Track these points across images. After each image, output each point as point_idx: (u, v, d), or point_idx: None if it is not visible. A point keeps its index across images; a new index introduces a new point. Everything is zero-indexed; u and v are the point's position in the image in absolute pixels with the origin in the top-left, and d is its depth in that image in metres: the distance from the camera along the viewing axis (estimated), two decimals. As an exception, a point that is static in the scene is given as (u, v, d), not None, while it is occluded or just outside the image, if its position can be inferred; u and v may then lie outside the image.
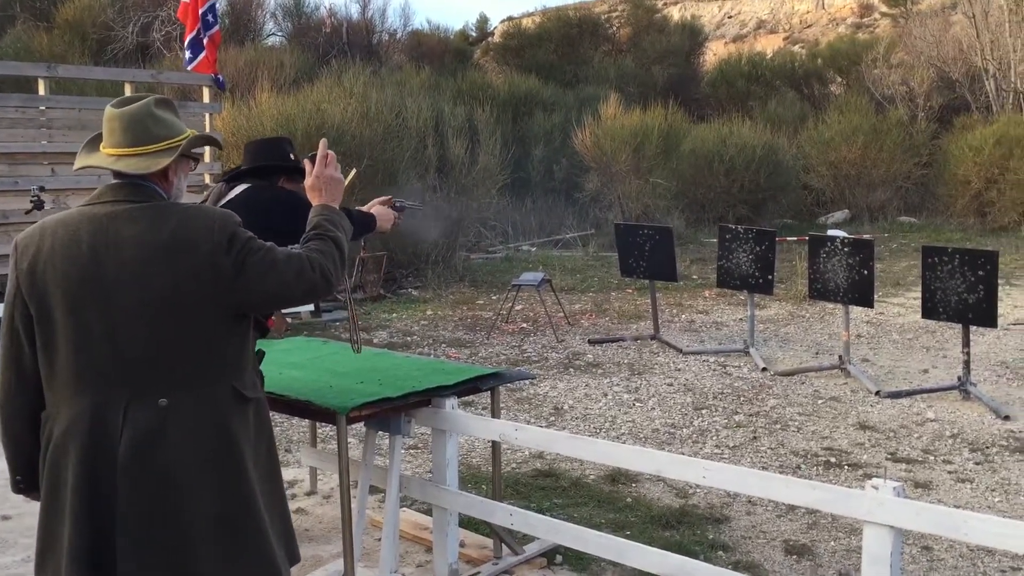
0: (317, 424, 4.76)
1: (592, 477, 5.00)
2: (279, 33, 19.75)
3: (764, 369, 7.16)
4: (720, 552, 4.10)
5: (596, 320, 9.12)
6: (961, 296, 6.28)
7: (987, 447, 5.46)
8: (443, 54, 20.49)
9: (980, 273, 6.21)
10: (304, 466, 4.88)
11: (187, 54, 9.31)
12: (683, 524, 4.40)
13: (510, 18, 35.80)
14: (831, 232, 8.51)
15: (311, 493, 4.73)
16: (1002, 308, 9.67)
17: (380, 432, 3.73)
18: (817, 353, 7.75)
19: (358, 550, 3.56)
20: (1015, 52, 18.04)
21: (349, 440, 3.54)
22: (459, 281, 10.92)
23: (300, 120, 10.20)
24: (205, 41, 8.77)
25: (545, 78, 19.16)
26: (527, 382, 6.87)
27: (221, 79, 9.26)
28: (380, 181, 10.10)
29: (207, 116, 9.05)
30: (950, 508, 3.88)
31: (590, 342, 8.08)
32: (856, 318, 9.08)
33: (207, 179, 8.87)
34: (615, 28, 21.73)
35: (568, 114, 16.08)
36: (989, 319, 6.28)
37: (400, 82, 15.19)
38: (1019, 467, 5.13)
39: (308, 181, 2.50)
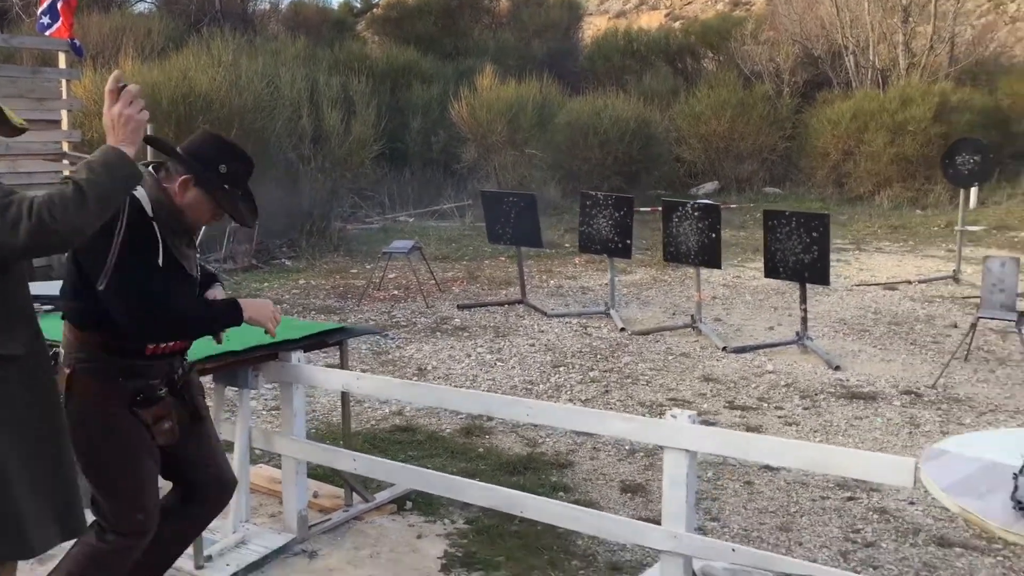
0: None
1: (448, 431, 5.21)
2: (149, 0, 19.16)
3: (622, 329, 7.51)
4: (561, 493, 4.36)
5: (467, 287, 9.33)
6: (798, 256, 6.73)
7: (816, 394, 5.91)
8: (321, 25, 20.24)
9: (814, 235, 6.67)
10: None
11: (44, 20, 9.02)
12: (529, 470, 4.65)
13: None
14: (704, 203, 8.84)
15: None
16: (849, 271, 10.37)
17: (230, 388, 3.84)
18: (674, 314, 8.15)
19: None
20: (873, 31, 18.99)
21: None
22: (334, 251, 10.96)
23: (166, 89, 10.02)
24: (60, 6, 8.51)
25: (425, 50, 19.16)
26: (395, 346, 7.04)
27: (78, 44, 9.01)
28: (252, 151, 10.00)
29: (64, 82, 8.81)
30: (736, 431, 4.24)
31: (459, 307, 8.29)
32: (715, 281, 9.57)
33: (65, 146, 8.65)
34: (495, 1, 21.87)
35: (446, 86, 16.17)
36: (822, 278, 6.77)
37: (275, 51, 14.99)
38: (842, 411, 5.59)
39: (104, 119, 2.25)
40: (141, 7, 18.60)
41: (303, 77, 12.72)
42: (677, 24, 32.55)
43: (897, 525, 4.02)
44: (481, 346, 7.05)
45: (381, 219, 13.31)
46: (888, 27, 18.68)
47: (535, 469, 4.66)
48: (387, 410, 5.51)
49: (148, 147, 2.74)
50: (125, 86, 2.25)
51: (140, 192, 2.60)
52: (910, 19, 18.48)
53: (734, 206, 15.23)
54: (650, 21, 35.70)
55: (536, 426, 5.22)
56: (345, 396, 4.11)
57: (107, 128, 2.21)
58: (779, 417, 5.49)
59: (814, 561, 3.57)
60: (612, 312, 7.91)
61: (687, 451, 2.85)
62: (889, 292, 9.12)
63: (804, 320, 6.94)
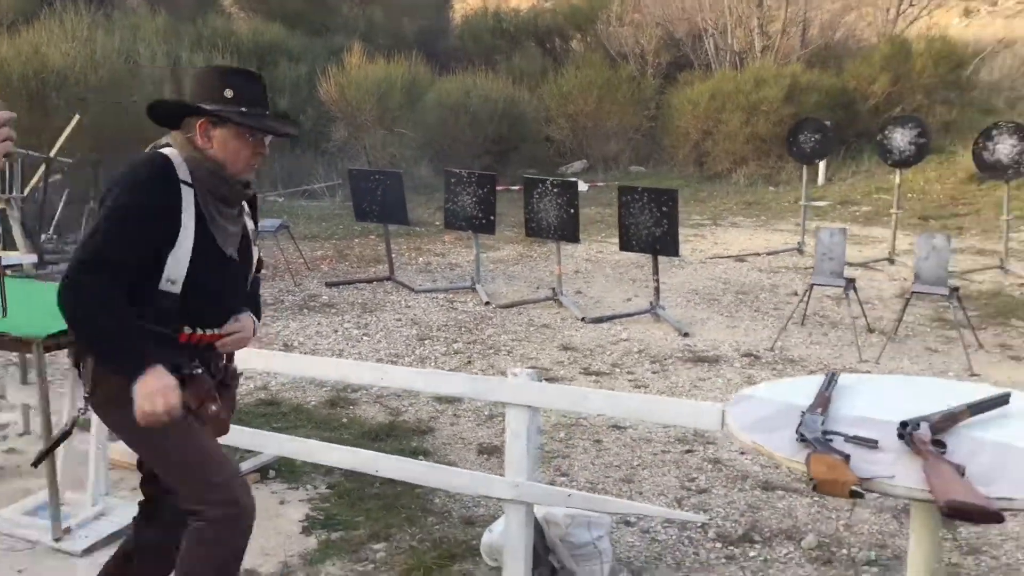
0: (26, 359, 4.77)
1: (312, 403, 5.33)
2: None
3: (487, 303, 7.75)
4: (420, 456, 4.56)
5: (336, 265, 9.40)
6: (650, 230, 7.10)
7: (665, 359, 6.29)
8: (183, -1, 19.64)
9: (664, 209, 7.05)
10: (16, 406, 4.87)
11: None
12: (391, 437, 4.84)
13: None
14: (580, 185, 9.06)
15: (25, 433, 4.76)
16: (705, 245, 10.91)
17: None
18: (538, 288, 8.44)
19: (66, 477, 3.71)
20: (731, 15, 19.77)
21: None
22: (199, 231, 10.80)
23: (16, 64, 9.66)
24: None
25: (292, 27, 18.87)
26: (260, 324, 7.05)
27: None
28: (110, 132, 9.79)
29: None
30: (572, 387, 4.53)
31: (327, 285, 8.36)
32: (579, 256, 9.93)
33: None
34: (364, -22, 21.67)
35: (315, 64, 16.02)
36: (673, 249, 7.16)
37: (134, 26, 14.54)
38: (687, 373, 5.98)
39: None
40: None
41: (164, 54, 12.40)
42: (549, 4, 33.02)
43: (728, 473, 4.40)
44: (348, 322, 7.16)
45: (249, 198, 13.14)
46: (744, 11, 19.48)
47: (396, 436, 4.85)
48: (252, 385, 5.58)
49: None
50: None
51: (172, 153, 2.45)
52: (764, 3, 19.31)
53: (601, 184, 15.69)
54: (520, 1, 36.05)
55: (399, 396, 5.41)
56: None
57: None
58: (630, 381, 5.84)
59: (651, 507, 3.88)
60: (478, 287, 8.13)
61: (528, 407, 3.09)
62: (739, 264, 9.66)
63: (657, 290, 7.34)
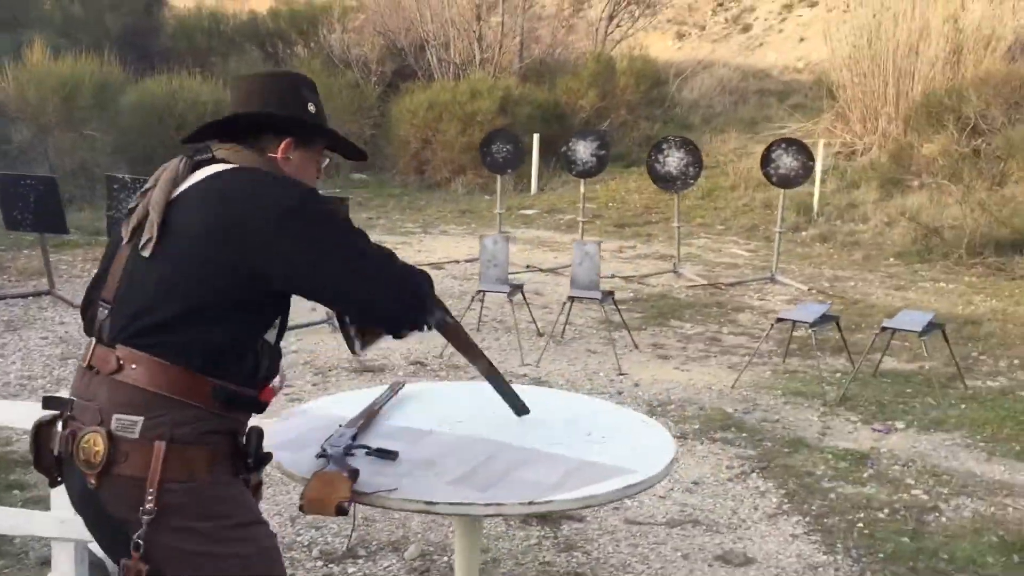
0: None
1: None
2: None
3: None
4: (16, 491, 4.12)
5: (-9, 279, 8.50)
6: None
7: (329, 371, 6.14)
8: None
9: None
10: None
11: None
12: (-10, 471, 4.34)
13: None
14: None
15: None
16: (408, 252, 10.90)
17: None
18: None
19: None
20: (453, 26, 20.08)
21: None
22: None
23: None
24: None
25: (-24, 18, 17.11)
26: None
27: None
28: None
29: None
30: None
31: (-29, 302, 7.52)
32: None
33: None
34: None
35: (2, 62, 14.56)
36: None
37: None
38: (348, 383, 5.85)
39: None
40: None
41: None
42: (285, 8, 32.20)
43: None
44: (-19, 342, 6.45)
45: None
46: (463, 24, 19.86)
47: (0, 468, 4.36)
48: None
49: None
50: None
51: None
52: (482, 18, 19.78)
53: (335, 191, 15.37)
54: (260, 5, 34.92)
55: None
56: None
57: None
58: (285, 395, 5.62)
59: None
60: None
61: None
62: (435, 271, 9.71)
63: (333, 300, 7.16)
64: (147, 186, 2.02)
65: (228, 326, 1.90)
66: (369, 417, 2.65)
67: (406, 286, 2.06)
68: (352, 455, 2.37)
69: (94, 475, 1.82)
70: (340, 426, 2.51)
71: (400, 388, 2.95)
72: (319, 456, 2.34)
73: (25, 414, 2.90)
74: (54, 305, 7.58)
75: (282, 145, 2.10)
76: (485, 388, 2.65)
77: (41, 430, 1.95)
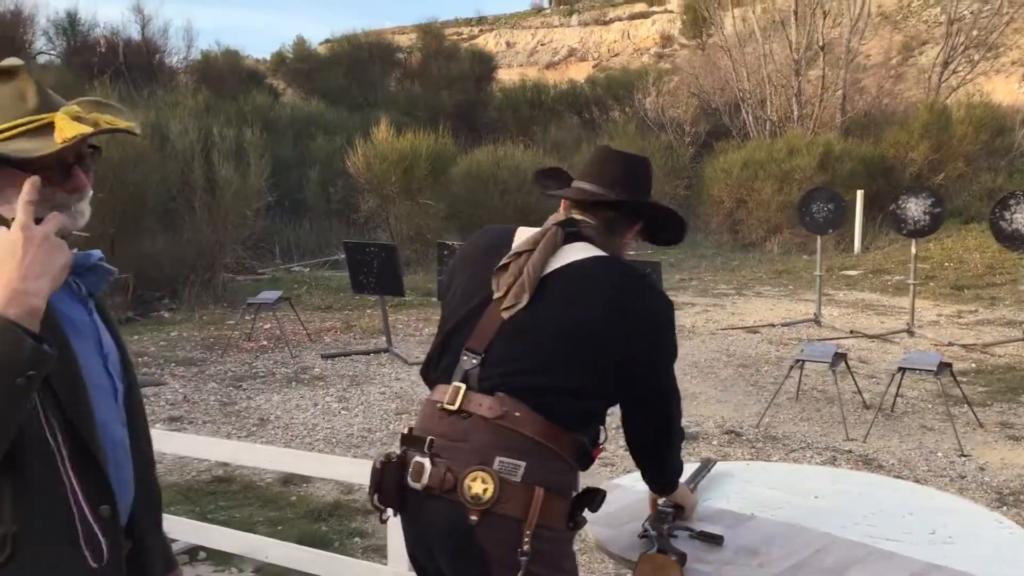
0: None
1: (266, 480, 5.27)
2: (52, 52, 19.11)
3: (478, 376, 7.64)
4: (356, 538, 4.46)
5: (339, 336, 9.41)
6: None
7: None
8: (229, 76, 20.37)
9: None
10: None
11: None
12: (334, 517, 4.74)
13: (328, 41, 35.89)
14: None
15: None
16: (722, 315, 10.68)
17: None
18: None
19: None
20: (769, 83, 19.72)
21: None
22: (216, 302, 10.96)
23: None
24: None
25: (335, 101, 19.40)
26: (245, 396, 7.08)
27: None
28: (127, 203, 10.08)
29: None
30: None
31: (323, 357, 8.36)
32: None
33: None
34: (406, 54, 22.26)
35: (350, 137, 16.38)
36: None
37: (173, 103, 15.05)
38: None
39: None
40: (43, 58, 18.52)
41: (195, 128, 12.77)
42: (604, 75, 33.48)
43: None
44: (331, 395, 7.12)
45: (273, 269, 13.35)
46: (780, 80, 19.41)
47: (340, 516, 4.75)
48: (212, 461, 5.54)
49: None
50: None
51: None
52: (800, 73, 19.22)
53: (648, 253, 15.57)
54: (579, 72, 36.63)
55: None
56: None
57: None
58: (601, 458, 5.64)
59: None
60: (472, 359, 8.03)
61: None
62: (750, 335, 9.41)
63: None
64: (522, 247, 2.06)
65: (599, 402, 2.06)
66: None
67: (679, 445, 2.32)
68: (675, 536, 2.31)
69: (478, 511, 1.88)
70: (660, 503, 2.45)
71: (713, 466, 2.84)
72: (641, 536, 2.30)
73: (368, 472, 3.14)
74: (391, 362, 8.23)
75: (635, 229, 2.17)
76: (804, 470, 2.47)
77: (388, 466, 2.03)
